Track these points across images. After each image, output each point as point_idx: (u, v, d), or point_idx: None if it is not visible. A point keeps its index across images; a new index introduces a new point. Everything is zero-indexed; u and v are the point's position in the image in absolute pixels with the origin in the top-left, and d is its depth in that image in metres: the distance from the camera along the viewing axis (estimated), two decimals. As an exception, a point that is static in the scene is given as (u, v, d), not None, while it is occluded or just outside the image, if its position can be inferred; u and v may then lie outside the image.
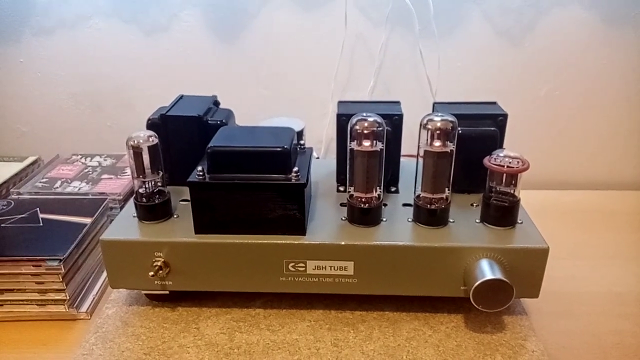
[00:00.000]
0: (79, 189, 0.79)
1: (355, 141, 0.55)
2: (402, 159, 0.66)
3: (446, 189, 0.56)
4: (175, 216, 0.59)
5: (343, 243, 0.55)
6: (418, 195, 0.58)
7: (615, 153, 0.96)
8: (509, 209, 0.56)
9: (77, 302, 0.61)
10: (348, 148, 0.56)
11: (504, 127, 0.62)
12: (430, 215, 0.57)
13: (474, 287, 0.51)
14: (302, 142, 0.63)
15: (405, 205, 0.62)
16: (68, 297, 0.59)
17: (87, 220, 0.65)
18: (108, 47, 0.92)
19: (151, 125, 0.63)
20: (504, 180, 0.56)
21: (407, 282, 0.56)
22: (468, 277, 0.54)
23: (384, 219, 0.58)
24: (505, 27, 0.88)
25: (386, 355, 0.53)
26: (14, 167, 0.87)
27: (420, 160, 0.57)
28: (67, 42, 0.92)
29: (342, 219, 0.59)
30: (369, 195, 0.57)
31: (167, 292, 0.59)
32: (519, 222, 0.57)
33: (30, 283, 0.59)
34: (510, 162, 0.55)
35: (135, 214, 0.59)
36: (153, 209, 0.58)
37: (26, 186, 0.80)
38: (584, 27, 0.87)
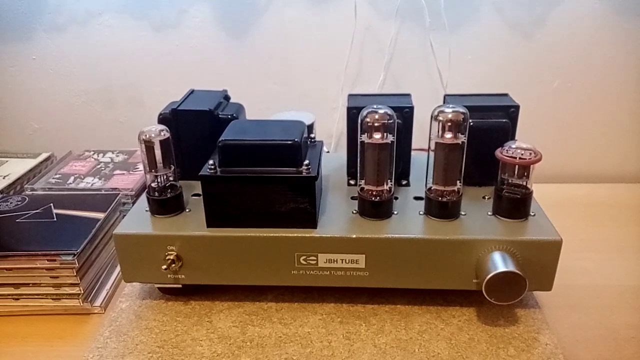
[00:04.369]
0: (92, 185, 0.80)
1: (366, 134, 0.55)
2: (412, 152, 0.66)
3: (458, 182, 0.56)
4: (187, 210, 0.60)
5: (354, 236, 0.55)
6: (429, 188, 0.57)
7: (627, 146, 0.95)
8: (522, 201, 0.56)
9: (91, 296, 0.61)
10: (359, 141, 0.56)
11: (516, 118, 0.61)
12: (441, 208, 0.56)
13: (486, 279, 0.51)
14: (312, 135, 0.63)
15: (416, 198, 0.61)
16: (82, 291, 0.60)
17: (100, 215, 0.66)
18: (119, 43, 0.93)
19: (162, 119, 0.63)
20: (516, 172, 0.56)
21: (418, 275, 0.56)
22: (480, 270, 0.53)
23: (395, 212, 0.58)
24: (516, 19, 0.87)
25: (398, 349, 0.53)
26: (27, 164, 0.88)
27: (432, 152, 0.56)
28: (78, 39, 0.92)
29: (353, 212, 0.58)
30: (379, 188, 0.57)
31: (180, 285, 0.59)
32: (532, 214, 0.57)
33: (45, 277, 0.59)
34: (522, 154, 0.54)
35: (147, 209, 0.59)
36: (165, 203, 0.59)
37: (40, 182, 0.81)
38: (597, 19, 0.86)
